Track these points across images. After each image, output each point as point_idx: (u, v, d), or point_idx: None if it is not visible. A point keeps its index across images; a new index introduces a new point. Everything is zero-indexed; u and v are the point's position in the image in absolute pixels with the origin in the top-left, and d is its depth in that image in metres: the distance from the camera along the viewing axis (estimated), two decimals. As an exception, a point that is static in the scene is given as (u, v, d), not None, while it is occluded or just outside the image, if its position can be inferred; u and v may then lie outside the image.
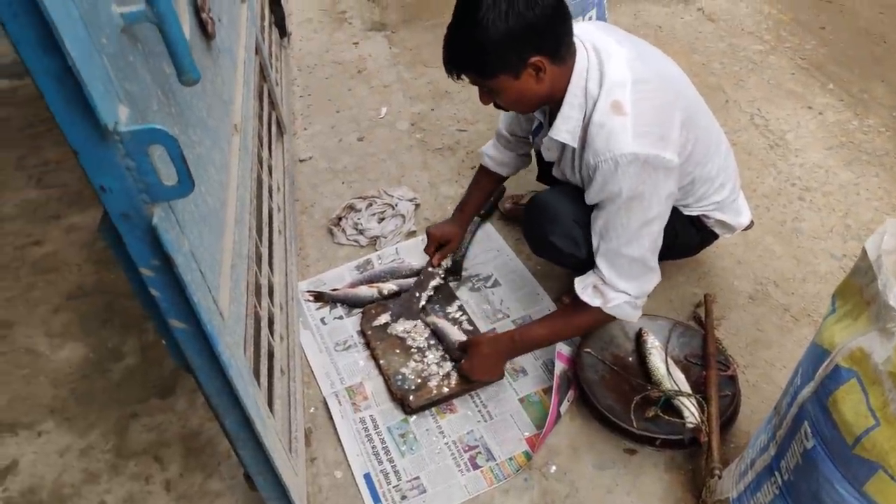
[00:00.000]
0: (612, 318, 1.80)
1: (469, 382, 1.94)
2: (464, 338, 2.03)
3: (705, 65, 3.30)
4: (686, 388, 1.82)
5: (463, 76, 1.65)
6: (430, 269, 2.25)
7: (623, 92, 1.60)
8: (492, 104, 1.73)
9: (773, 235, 2.39)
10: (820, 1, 3.76)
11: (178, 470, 1.81)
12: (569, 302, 2.15)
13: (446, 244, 2.26)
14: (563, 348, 1.94)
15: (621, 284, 1.72)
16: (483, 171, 2.26)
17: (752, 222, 2.04)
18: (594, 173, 1.62)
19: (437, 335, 2.08)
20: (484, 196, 2.31)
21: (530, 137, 1.96)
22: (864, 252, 1.12)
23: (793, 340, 2.05)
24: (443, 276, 2.25)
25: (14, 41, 0.72)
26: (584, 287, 1.77)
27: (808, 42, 3.42)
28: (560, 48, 1.60)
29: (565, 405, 1.87)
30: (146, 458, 1.85)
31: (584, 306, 1.78)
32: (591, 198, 1.69)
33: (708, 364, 1.86)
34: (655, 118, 1.61)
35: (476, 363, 1.90)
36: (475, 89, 1.71)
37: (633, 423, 1.76)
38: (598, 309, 1.76)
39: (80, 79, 0.75)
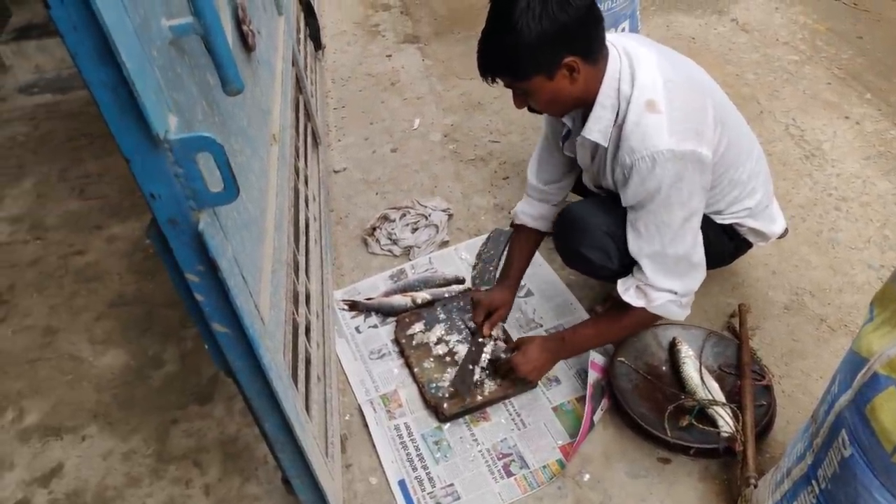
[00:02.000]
0: (658, 318, 1.81)
1: (511, 383, 1.96)
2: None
3: (739, 75, 3.29)
4: (720, 397, 1.81)
5: (497, 80, 1.67)
6: (480, 339, 2.06)
7: (656, 91, 1.61)
8: (526, 109, 1.74)
9: (808, 246, 2.37)
10: (857, 10, 3.73)
11: (217, 474, 1.85)
12: (602, 310, 2.16)
13: (495, 311, 2.09)
14: (596, 357, 1.94)
15: (666, 283, 1.72)
16: (521, 231, 2.15)
17: (786, 230, 2.03)
18: (630, 172, 1.63)
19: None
20: (525, 256, 2.16)
21: (560, 143, 1.97)
22: (902, 259, 1.12)
23: (829, 351, 2.03)
24: (494, 346, 2.06)
25: (72, 53, 0.76)
26: (627, 288, 1.78)
27: (845, 52, 3.39)
28: (593, 49, 1.61)
29: (599, 414, 1.87)
30: (186, 463, 1.88)
31: (629, 307, 1.79)
32: (628, 198, 1.69)
33: (742, 373, 1.85)
34: (690, 115, 1.62)
35: (528, 358, 1.89)
36: (508, 101, 1.73)
37: (667, 431, 1.76)
38: (643, 309, 1.76)
39: (134, 89, 0.78)
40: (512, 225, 2.22)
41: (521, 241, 2.15)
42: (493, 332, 2.08)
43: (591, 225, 1.83)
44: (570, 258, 1.97)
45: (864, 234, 2.40)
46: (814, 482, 1.30)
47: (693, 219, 1.68)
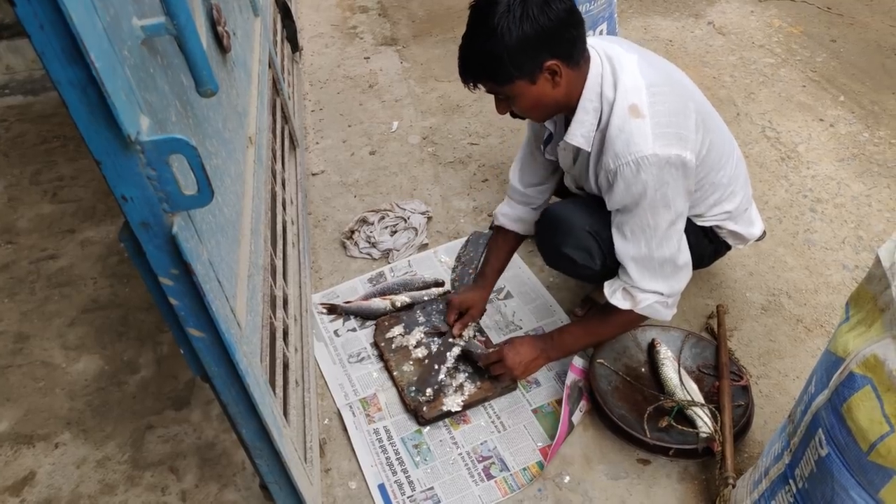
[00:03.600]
0: (645, 318, 1.82)
1: (491, 385, 1.96)
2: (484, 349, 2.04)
3: (716, 78, 3.31)
4: (699, 398, 1.82)
5: (479, 85, 1.66)
6: (450, 339, 2.08)
7: (639, 95, 1.61)
8: (508, 115, 1.74)
9: (785, 247, 2.39)
10: (830, 14, 3.77)
11: (194, 481, 1.82)
12: (581, 312, 2.16)
13: (467, 311, 2.12)
14: (575, 360, 1.94)
15: (651, 285, 1.73)
16: (499, 232, 2.15)
17: (764, 233, 2.05)
18: (614, 177, 1.63)
19: (465, 354, 2.04)
20: (503, 258, 2.16)
21: (541, 147, 1.96)
22: (878, 259, 1.13)
23: (805, 351, 2.04)
24: (467, 343, 2.07)
25: (39, 52, 0.74)
26: (614, 291, 1.78)
27: (819, 55, 3.42)
28: (574, 52, 1.60)
29: (578, 415, 1.87)
30: (162, 469, 1.86)
31: (615, 308, 1.79)
32: (613, 203, 1.69)
33: (721, 374, 1.86)
34: (673, 119, 1.62)
35: (518, 352, 1.89)
36: (487, 103, 1.73)
37: (647, 433, 1.76)
38: (631, 310, 1.77)
39: (103, 89, 0.77)
40: (491, 227, 2.22)
41: (498, 243, 2.15)
42: (465, 333, 2.09)
43: (574, 225, 1.83)
44: (552, 259, 1.97)
45: (838, 235, 2.42)
46: (791, 482, 1.30)
47: (678, 221, 1.69)
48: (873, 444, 1.07)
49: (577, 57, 1.62)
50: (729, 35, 3.66)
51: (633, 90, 1.62)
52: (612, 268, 1.81)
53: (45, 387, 2.11)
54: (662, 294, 1.75)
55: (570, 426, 1.84)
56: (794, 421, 1.33)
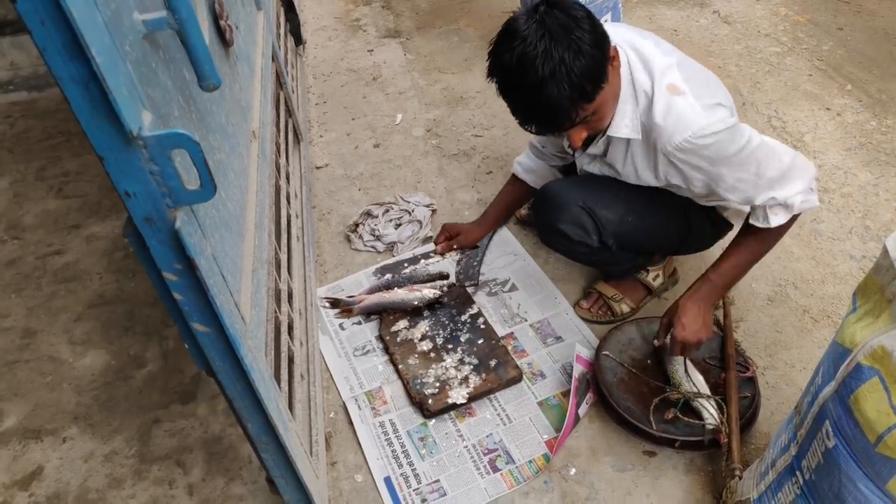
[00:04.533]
0: (781, 236, 1.77)
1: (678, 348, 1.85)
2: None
3: (722, 67, 3.29)
4: (705, 389, 1.81)
5: (563, 127, 1.59)
6: (431, 254, 2.40)
7: (673, 74, 1.61)
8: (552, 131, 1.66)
9: (791, 237, 2.37)
10: (837, 2, 3.74)
11: (201, 474, 1.83)
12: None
13: (456, 237, 2.36)
14: (581, 351, 1.94)
15: (790, 188, 1.65)
16: (512, 180, 2.29)
17: None
18: (678, 159, 1.62)
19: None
20: (506, 203, 2.33)
21: (569, 151, 1.95)
22: (886, 250, 1.12)
23: (812, 342, 2.04)
24: (442, 288, 2.21)
25: (40, 48, 0.74)
26: (766, 216, 1.70)
27: (826, 43, 3.40)
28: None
29: (584, 407, 1.87)
30: (169, 463, 1.86)
31: (758, 230, 1.73)
32: (695, 184, 1.67)
33: (727, 365, 1.86)
34: (710, 90, 1.64)
35: (688, 324, 1.79)
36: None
37: (653, 424, 1.76)
38: (790, 219, 1.71)
39: (105, 85, 0.76)
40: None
41: (508, 189, 2.34)
42: (448, 255, 2.38)
43: (567, 201, 1.86)
44: (547, 235, 2.00)
45: (845, 225, 2.41)
46: (798, 473, 1.30)
47: (753, 141, 1.62)
48: (881, 435, 1.07)
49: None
50: (734, 24, 3.64)
51: (666, 70, 1.62)
52: (609, 245, 1.85)
53: (53, 382, 2.12)
54: (802, 190, 1.66)
55: (576, 418, 1.84)
56: (800, 412, 1.32)
